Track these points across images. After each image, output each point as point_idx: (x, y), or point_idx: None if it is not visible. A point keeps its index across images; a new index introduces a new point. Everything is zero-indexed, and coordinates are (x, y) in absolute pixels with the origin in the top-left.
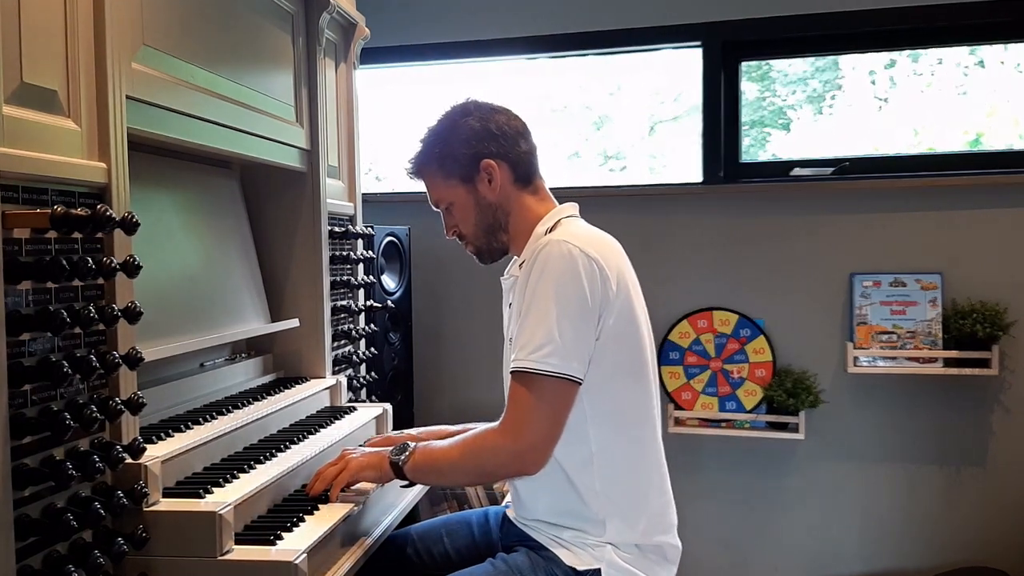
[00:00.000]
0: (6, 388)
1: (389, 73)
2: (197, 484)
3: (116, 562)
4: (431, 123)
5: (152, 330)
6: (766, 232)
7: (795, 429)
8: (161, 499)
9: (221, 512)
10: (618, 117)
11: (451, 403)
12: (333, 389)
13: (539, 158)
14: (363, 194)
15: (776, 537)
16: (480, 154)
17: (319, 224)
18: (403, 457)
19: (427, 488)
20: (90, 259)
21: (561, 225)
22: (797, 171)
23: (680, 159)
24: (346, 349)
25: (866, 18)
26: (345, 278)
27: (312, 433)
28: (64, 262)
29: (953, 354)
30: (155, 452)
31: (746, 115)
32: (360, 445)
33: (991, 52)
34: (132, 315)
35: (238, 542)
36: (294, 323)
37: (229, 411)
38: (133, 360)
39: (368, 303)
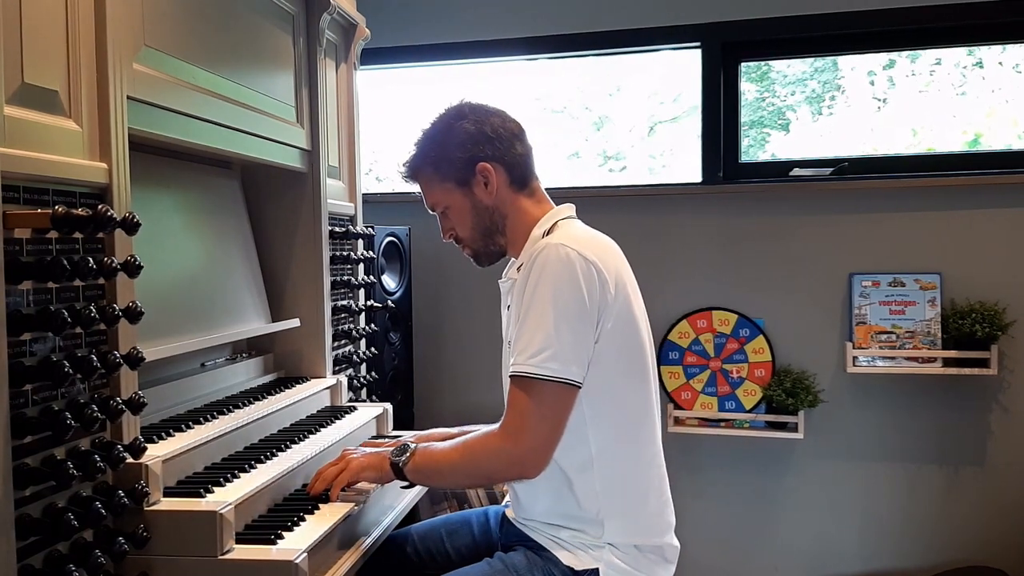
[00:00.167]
0: (7, 388)
1: (389, 73)
2: (198, 483)
3: (117, 561)
4: (425, 126)
5: (153, 330)
6: (765, 232)
7: (794, 429)
8: (162, 498)
9: (222, 511)
10: (618, 118)
11: (451, 403)
12: (333, 389)
13: (535, 159)
14: (363, 194)
15: (775, 537)
16: (476, 157)
17: (319, 224)
18: (404, 458)
19: (427, 488)
20: (91, 259)
21: (558, 227)
22: (796, 171)
23: (679, 159)
24: (346, 349)
25: (865, 19)
26: (345, 278)
27: (312, 433)
28: (65, 262)
29: (952, 354)
30: (156, 452)
31: (745, 115)
32: (359, 445)
33: (989, 53)
34: (133, 315)
35: (239, 541)
36: (294, 323)
37: (230, 411)
38: (134, 360)
39: (368, 303)
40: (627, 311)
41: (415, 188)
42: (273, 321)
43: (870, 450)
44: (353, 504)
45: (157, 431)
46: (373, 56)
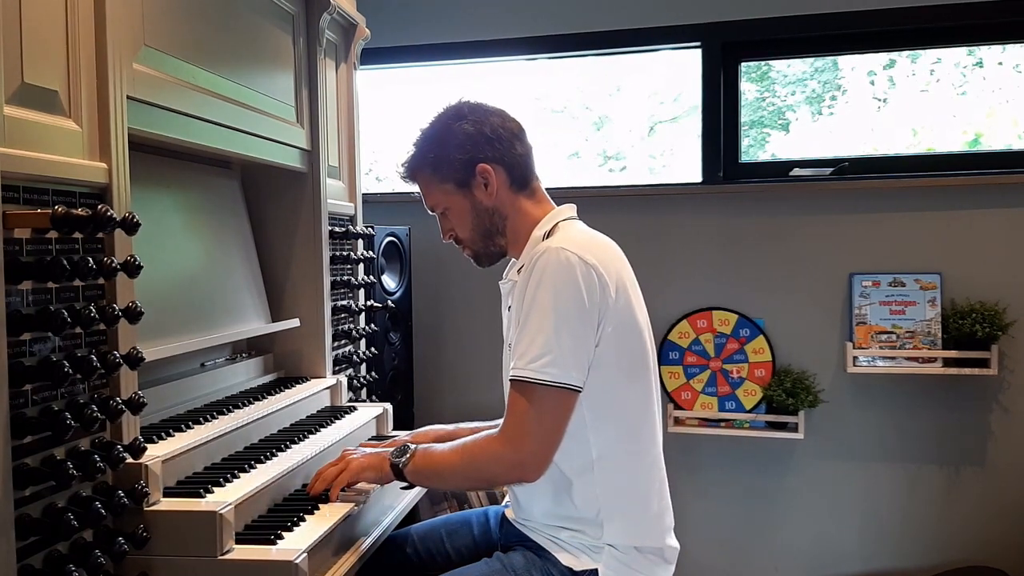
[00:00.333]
0: (7, 388)
1: (389, 73)
2: (198, 484)
3: (117, 562)
4: (423, 125)
5: (153, 330)
6: (765, 232)
7: (794, 429)
8: (162, 499)
9: (221, 512)
10: (618, 117)
11: (451, 403)
12: (333, 389)
13: (535, 159)
14: (363, 194)
15: (776, 537)
16: (475, 159)
17: (319, 224)
18: (403, 459)
19: (427, 489)
20: (91, 259)
21: (559, 229)
22: (796, 171)
23: (680, 159)
24: (346, 349)
25: (865, 18)
26: (345, 278)
27: (312, 433)
28: (65, 262)
29: (952, 354)
30: (156, 452)
31: (745, 115)
32: (358, 445)
33: (989, 53)
34: (133, 315)
35: (238, 541)
36: (294, 323)
37: (230, 411)
38: (134, 360)
39: (368, 303)
40: (628, 314)
41: (414, 188)
42: (273, 321)
43: (870, 450)
44: (353, 504)
45: (157, 431)
46: (373, 56)
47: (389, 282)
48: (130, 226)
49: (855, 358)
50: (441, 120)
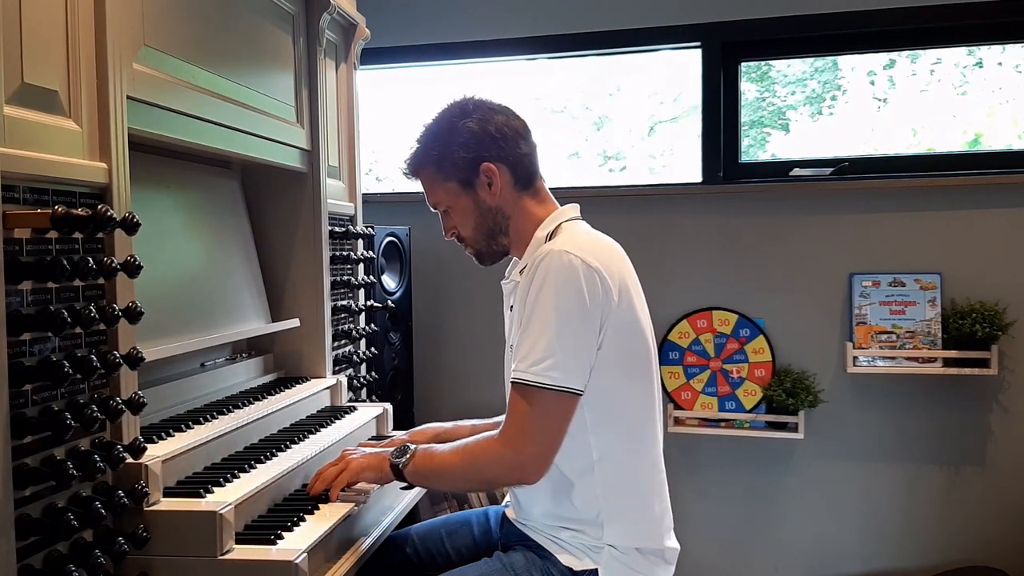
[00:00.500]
0: (7, 388)
1: (389, 73)
2: (198, 484)
3: (117, 562)
4: (427, 122)
5: (153, 330)
6: (766, 232)
7: (794, 429)
8: (162, 499)
9: (221, 512)
10: (618, 117)
11: (451, 403)
12: (333, 389)
13: (539, 158)
14: (363, 194)
15: (776, 537)
16: (479, 158)
17: (319, 224)
18: (403, 460)
19: (426, 489)
20: (91, 259)
21: (562, 230)
22: (796, 171)
23: (680, 159)
24: (346, 349)
25: (865, 18)
26: (345, 278)
27: (312, 433)
28: (65, 262)
29: (952, 354)
30: (156, 452)
31: (745, 115)
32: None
33: (989, 53)
34: (133, 315)
35: (238, 541)
36: (294, 323)
37: (230, 411)
38: (134, 360)
39: (368, 303)
40: (630, 316)
41: (416, 185)
42: (273, 321)
43: (870, 450)
44: (353, 504)
45: (157, 431)
46: (373, 56)
47: (389, 282)
48: (130, 226)
49: (855, 358)
50: (445, 117)
